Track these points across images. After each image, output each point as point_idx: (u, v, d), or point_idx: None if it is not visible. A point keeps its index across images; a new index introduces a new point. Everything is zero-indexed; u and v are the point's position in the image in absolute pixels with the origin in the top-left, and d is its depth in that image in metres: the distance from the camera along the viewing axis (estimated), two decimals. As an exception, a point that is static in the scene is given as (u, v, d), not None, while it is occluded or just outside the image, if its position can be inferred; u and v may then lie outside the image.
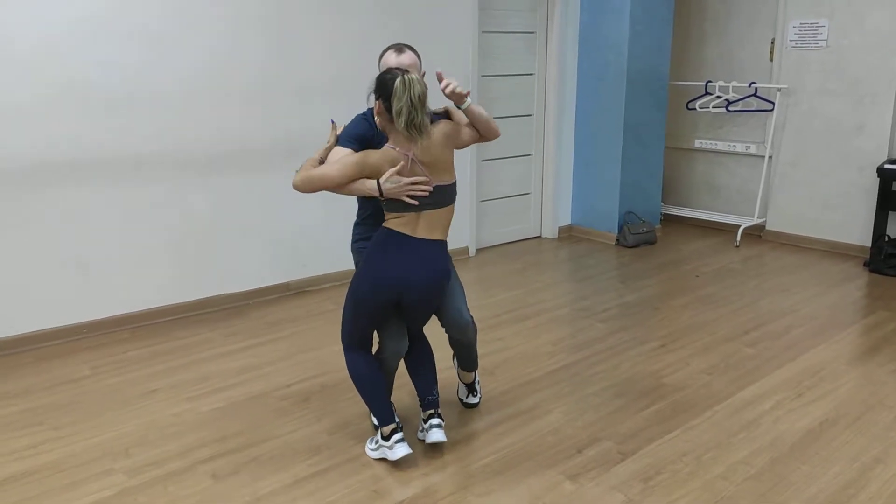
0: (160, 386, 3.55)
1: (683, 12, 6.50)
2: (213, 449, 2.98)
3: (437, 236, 2.80)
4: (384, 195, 2.68)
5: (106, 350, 3.97)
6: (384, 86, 2.64)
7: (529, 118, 6.08)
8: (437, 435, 2.92)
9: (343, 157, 2.72)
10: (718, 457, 2.94)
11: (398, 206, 2.73)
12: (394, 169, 2.67)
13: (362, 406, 3.30)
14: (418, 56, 2.92)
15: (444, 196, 2.77)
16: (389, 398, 2.98)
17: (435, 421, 2.94)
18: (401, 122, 2.61)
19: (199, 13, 4.23)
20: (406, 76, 2.61)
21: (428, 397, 2.98)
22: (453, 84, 2.74)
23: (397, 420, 2.92)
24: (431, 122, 2.76)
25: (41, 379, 3.61)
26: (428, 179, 2.70)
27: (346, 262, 4.96)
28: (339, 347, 3.93)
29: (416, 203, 2.70)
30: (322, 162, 2.77)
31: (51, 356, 3.88)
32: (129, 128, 4.11)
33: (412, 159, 2.68)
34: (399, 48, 2.89)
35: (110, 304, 4.22)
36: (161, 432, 3.11)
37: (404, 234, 2.74)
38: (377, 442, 2.91)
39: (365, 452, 2.95)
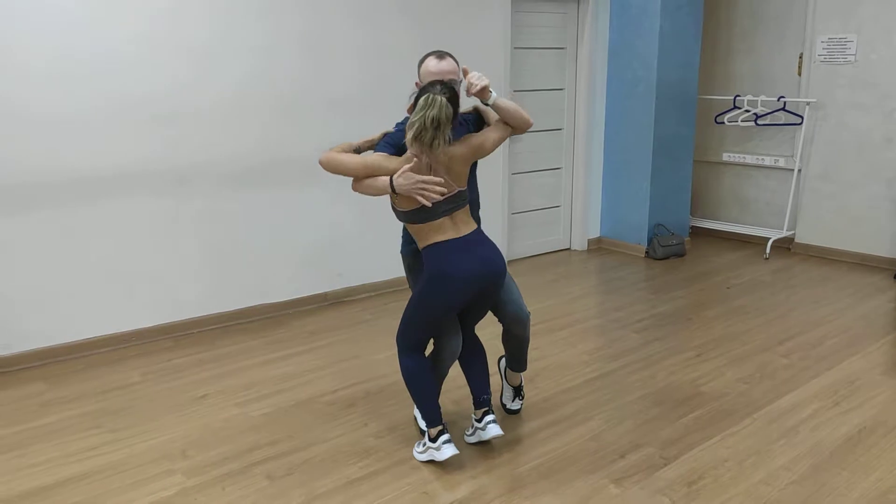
0: (209, 392, 3.66)
1: (712, 27, 6.59)
2: (266, 451, 3.08)
3: (472, 227, 2.92)
4: (396, 190, 2.76)
5: (152, 357, 4.09)
6: (417, 97, 2.77)
7: (559, 132, 6.18)
8: (494, 429, 2.99)
9: (367, 154, 2.88)
10: (759, 463, 3.00)
11: (414, 216, 2.83)
12: (407, 165, 2.75)
13: (407, 411, 3.39)
14: (457, 64, 2.96)
15: (461, 199, 2.89)
16: (438, 401, 3.06)
17: (490, 417, 3.02)
18: (409, 134, 2.73)
19: (241, 30, 4.37)
20: (432, 96, 2.70)
21: (483, 396, 3.07)
22: (476, 83, 2.82)
23: (444, 422, 3.00)
24: (463, 120, 2.95)
25: (94, 384, 3.73)
26: (442, 181, 2.78)
27: (381, 273, 5.13)
28: (379, 356, 4.07)
29: (429, 205, 2.77)
30: (357, 151, 2.94)
31: (101, 363, 4.00)
32: (174, 141, 4.25)
33: (430, 164, 2.78)
34: (440, 55, 2.94)
35: (154, 313, 4.34)
36: (214, 435, 3.22)
37: (448, 240, 2.84)
38: (424, 444, 2.99)
39: (413, 456, 3.03)
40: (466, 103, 3.03)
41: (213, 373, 3.89)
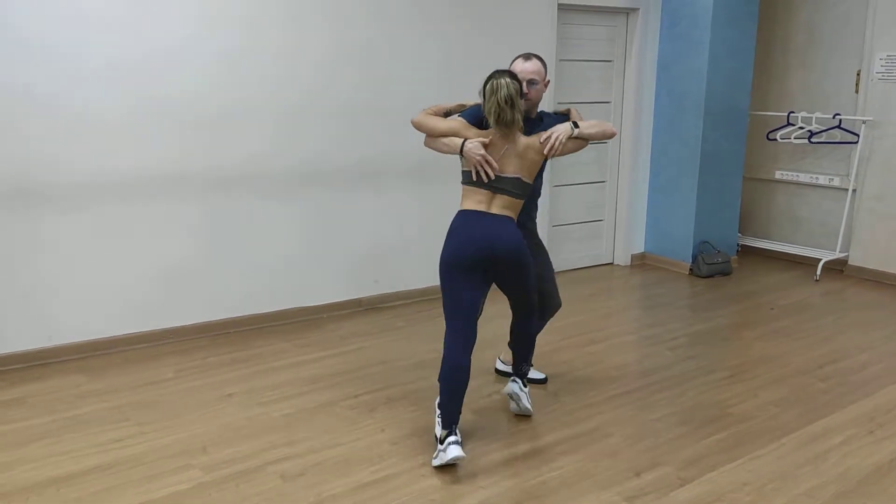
0: (236, 391, 3.74)
1: (766, 42, 6.44)
2: (283, 451, 3.13)
3: (503, 214, 3.14)
4: (463, 152, 3.12)
5: (188, 355, 4.20)
6: (483, 89, 3.11)
7: (604, 145, 6.11)
8: (508, 387, 3.49)
9: (452, 119, 3.26)
10: (781, 488, 2.90)
11: (466, 175, 3.17)
12: (483, 139, 3.10)
13: (425, 420, 3.40)
14: (544, 64, 3.36)
15: (517, 188, 3.15)
16: (457, 405, 3.07)
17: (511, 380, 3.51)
18: (491, 121, 3.07)
19: (283, 39, 4.48)
20: (496, 81, 3.03)
21: (518, 367, 3.50)
22: (555, 145, 3.17)
23: (457, 432, 3.00)
24: (546, 115, 3.39)
25: (129, 379, 3.86)
26: (496, 167, 3.09)
27: (416, 281, 5.17)
28: (406, 362, 4.11)
29: (482, 180, 3.11)
30: (447, 113, 3.33)
31: (138, 359, 4.13)
32: (216, 144, 4.36)
33: (507, 148, 3.12)
34: (527, 56, 3.34)
35: (192, 312, 4.46)
36: (235, 433, 3.28)
37: (477, 210, 3.12)
38: (437, 450, 3.00)
39: (426, 464, 3.04)
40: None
41: (243, 372, 3.97)
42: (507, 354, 3.84)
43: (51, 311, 4.04)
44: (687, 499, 2.83)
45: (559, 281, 3.81)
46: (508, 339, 3.70)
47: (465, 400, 3.35)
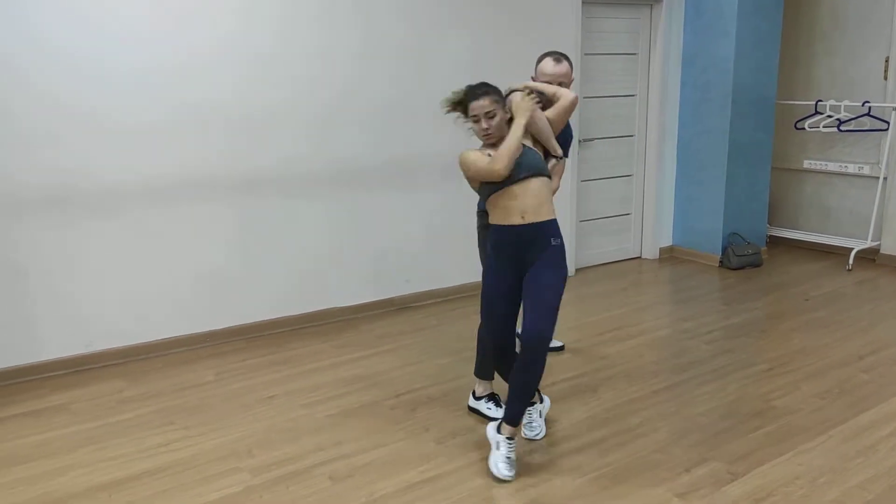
0: (277, 393, 3.75)
1: (793, 30, 6.38)
2: (330, 453, 3.13)
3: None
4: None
5: (226, 358, 4.21)
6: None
7: (631, 139, 6.08)
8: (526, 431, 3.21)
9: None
10: (833, 481, 2.88)
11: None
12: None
13: (466, 419, 3.40)
14: (571, 64, 3.32)
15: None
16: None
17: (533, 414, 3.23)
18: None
19: (314, 41, 4.48)
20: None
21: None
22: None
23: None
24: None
25: (171, 382, 3.88)
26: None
27: (447, 280, 5.17)
28: (443, 361, 4.15)
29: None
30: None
31: (178, 362, 4.15)
32: (249, 147, 4.37)
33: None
34: (557, 58, 3.28)
35: (228, 315, 4.47)
36: (281, 435, 3.29)
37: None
38: (497, 443, 2.97)
39: (473, 463, 3.03)
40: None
41: (282, 374, 3.98)
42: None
43: (89, 318, 4.07)
44: (739, 494, 2.81)
45: (588, 276, 3.77)
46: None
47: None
